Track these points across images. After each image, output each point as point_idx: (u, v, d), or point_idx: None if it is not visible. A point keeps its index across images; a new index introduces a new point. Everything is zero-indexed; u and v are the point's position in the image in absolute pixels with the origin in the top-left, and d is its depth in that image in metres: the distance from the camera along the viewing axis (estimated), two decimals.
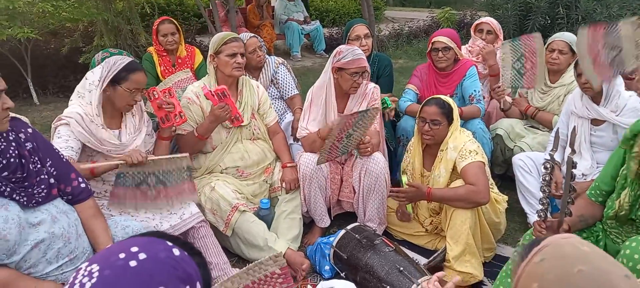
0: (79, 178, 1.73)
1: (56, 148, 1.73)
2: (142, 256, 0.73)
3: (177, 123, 2.38)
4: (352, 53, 2.55)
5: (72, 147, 2.01)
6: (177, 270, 0.75)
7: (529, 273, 0.83)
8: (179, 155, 2.21)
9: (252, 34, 3.25)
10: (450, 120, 2.39)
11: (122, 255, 0.73)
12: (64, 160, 1.72)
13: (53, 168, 1.64)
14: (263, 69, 3.25)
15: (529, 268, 0.84)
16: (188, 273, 0.76)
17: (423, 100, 3.06)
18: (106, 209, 2.05)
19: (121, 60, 2.12)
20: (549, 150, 2.70)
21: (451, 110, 2.39)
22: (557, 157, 2.68)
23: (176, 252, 0.78)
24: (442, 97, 2.45)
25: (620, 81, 2.52)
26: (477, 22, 3.61)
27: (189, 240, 2.23)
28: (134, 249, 0.74)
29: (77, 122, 2.03)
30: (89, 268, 0.73)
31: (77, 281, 0.72)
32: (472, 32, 3.57)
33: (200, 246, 2.25)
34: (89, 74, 2.14)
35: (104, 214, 1.84)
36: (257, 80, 3.16)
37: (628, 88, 2.33)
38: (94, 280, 0.70)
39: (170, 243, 0.79)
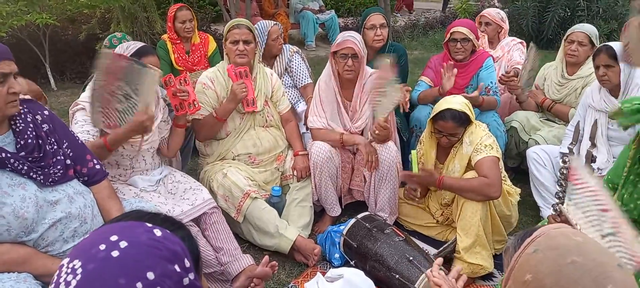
0: (94, 160, 1.77)
1: (72, 131, 1.76)
2: (123, 244, 0.72)
3: (190, 111, 2.39)
4: (342, 36, 2.57)
5: (89, 131, 2.05)
6: (162, 250, 0.74)
7: (523, 264, 0.83)
8: (149, 67, 2.05)
9: (274, 22, 3.26)
10: (467, 124, 2.35)
11: (102, 247, 0.72)
12: (80, 142, 1.76)
13: (69, 150, 1.68)
14: (278, 58, 3.26)
15: (522, 259, 0.84)
16: (173, 251, 0.75)
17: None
18: (120, 193, 2.08)
19: (133, 44, 2.14)
20: (566, 143, 2.67)
21: (468, 116, 2.29)
22: (566, 151, 2.65)
23: (157, 232, 0.76)
24: (455, 106, 2.28)
25: (639, 73, 2.47)
26: (480, 13, 3.70)
27: (201, 226, 2.26)
28: (114, 238, 0.73)
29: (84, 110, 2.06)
30: (71, 265, 0.71)
31: (61, 279, 0.70)
32: (476, 24, 3.55)
33: (212, 232, 2.28)
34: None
35: (120, 195, 1.87)
36: (271, 68, 3.17)
37: None
38: (78, 277, 0.69)
39: (149, 225, 0.78)
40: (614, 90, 2.48)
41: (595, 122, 2.20)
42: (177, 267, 0.74)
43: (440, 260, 1.59)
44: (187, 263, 0.77)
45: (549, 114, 3.11)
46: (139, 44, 2.17)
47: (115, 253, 0.70)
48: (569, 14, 6.80)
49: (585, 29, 2.96)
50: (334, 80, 2.67)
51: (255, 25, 2.91)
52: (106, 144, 1.99)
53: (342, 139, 2.64)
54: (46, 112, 1.66)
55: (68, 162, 1.65)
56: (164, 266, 0.72)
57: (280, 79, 3.21)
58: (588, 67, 2.87)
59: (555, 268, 0.78)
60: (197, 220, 2.25)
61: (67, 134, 1.70)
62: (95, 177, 1.75)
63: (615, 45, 2.43)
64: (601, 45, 2.52)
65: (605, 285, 0.75)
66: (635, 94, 2.42)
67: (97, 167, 1.77)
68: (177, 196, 2.26)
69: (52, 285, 0.72)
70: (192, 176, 2.50)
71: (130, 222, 0.79)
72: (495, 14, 3.57)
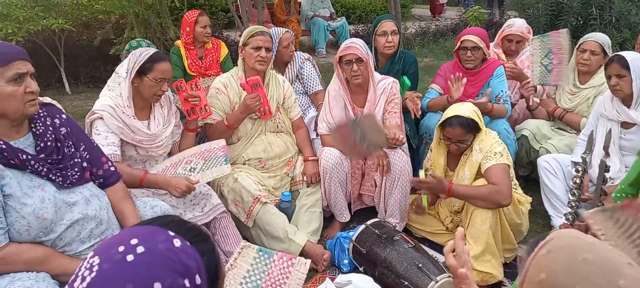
0: (109, 162, 1.81)
1: (88, 135, 1.80)
2: (140, 249, 0.73)
3: (202, 116, 2.44)
4: (345, 43, 2.61)
5: (114, 143, 2.11)
6: (175, 262, 0.74)
7: (537, 265, 0.86)
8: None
9: (286, 29, 3.31)
10: (476, 131, 2.35)
11: (121, 248, 0.73)
12: (95, 145, 1.79)
13: (86, 153, 1.72)
14: (289, 64, 3.29)
15: (536, 260, 0.87)
16: (186, 266, 0.75)
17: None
18: (132, 195, 2.12)
19: (146, 51, 2.18)
20: (578, 152, 2.66)
21: (476, 123, 2.30)
22: (578, 160, 2.64)
23: (177, 243, 0.77)
24: (464, 112, 2.29)
25: None
26: (504, 32, 3.43)
27: (210, 230, 2.28)
28: (134, 241, 0.74)
29: (110, 114, 2.11)
30: (91, 260, 0.73)
31: (80, 273, 0.73)
32: (498, 40, 3.48)
33: (221, 236, 2.31)
34: (118, 68, 2.21)
35: (132, 196, 1.90)
36: (283, 75, 3.21)
37: None
38: (93, 275, 0.71)
39: (172, 234, 0.78)
40: (626, 99, 2.47)
41: (609, 131, 2.19)
42: (186, 282, 0.74)
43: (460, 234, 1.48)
44: (198, 280, 0.76)
45: (560, 122, 3.10)
46: (152, 50, 2.20)
47: (130, 257, 0.72)
48: (581, 22, 6.75)
49: (598, 38, 2.95)
50: (343, 87, 2.69)
51: None
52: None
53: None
54: (64, 116, 1.70)
55: (85, 164, 1.69)
56: (173, 279, 0.73)
57: (292, 85, 3.24)
58: (600, 76, 2.86)
59: (568, 265, 0.81)
60: (207, 225, 2.28)
61: (83, 137, 1.74)
62: (111, 179, 1.79)
63: (628, 55, 2.42)
64: (613, 54, 2.51)
65: (617, 281, 0.77)
66: None
67: (112, 169, 1.80)
68: (188, 201, 2.29)
69: (73, 277, 0.75)
70: None
71: (154, 227, 0.79)
72: (524, 28, 3.39)
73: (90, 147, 1.75)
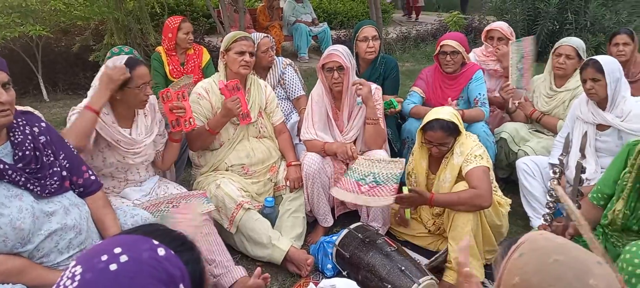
0: (89, 171, 1.78)
1: (68, 143, 1.77)
2: (123, 258, 0.72)
3: (186, 129, 2.39)
4: (328, 49, 2.63)
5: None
6: (159, 271, 0.73)
7: (510, 269, 0.88)
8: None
9: (265, 34, 3.32)
10: (457, 134, 2.39)
11: (104, 258, 0.72)
12: (76, 153, 1.77)
13: (66, 161, 1.69)
14: (271, 70, 3.29)
15: (509, 264, 0.89)
16: (170, 275, 0.74)
17: (429, 103, 3.10)
18: (113, 205, 2.09)
19: (122, 57, 2.14)
20: (555, 154, 2.72)
21: (456, 126, 2.34)
22: (555, 162, 2.70)
23: (161, 251, 0.76)
24: (444, 115, 2.34)
25: (626, 87, 2.53)
26: (487, 28, 3.53)
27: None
28: (117, 250, 0.73)
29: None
30: (73, 270, 0.73)
31: (61, 283, 0.72)
32: (483, 39, 3.55)
33: (204, 243, 2.28)
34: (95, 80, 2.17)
35: (113, 206, 1.88)
36: (264, 80, 3.21)
37: None
38: (75, 285, 0.70)
39: (156, 242, 0.77)
40: (601, 102, 2.54)
41: (585, 133, 2.25)
42: None
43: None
44: None
45: (537, 125, 3.17)
46: (123, 58, 2.14)
47: (113, 267, 0.71)
48: (557, 27, 6.93)
49: (573, 42, 3.02)
50: (326, 93, 2.71)
51: None
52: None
53: (324, 148, 2.67)
54: (43, 124, 1.67)
55: (64, 173, 1.66)
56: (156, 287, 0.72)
57: (274, 91, 3.24)
58: (576, 79, 2.93)
59: (540, 267, 0.83)
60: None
61: (63, 145, 1.71)
62: (91, 187, 1.76)
63: (602, 59, 2.49)
64: (588, 59, 2.58)
65: (587, 280, 0.80)
66: (621, 106, 2.48)
67: (92, 178, 1.78)
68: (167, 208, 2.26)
69: (54, 287, 0.74)
70: (185, 187, 2.51)
71: (138, 236, 0.79)
72: (507, 28, 3.44)
73: (70, 155, 1.72)
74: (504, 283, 0.89)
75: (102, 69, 2.10)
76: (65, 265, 1.61)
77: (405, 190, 2.41)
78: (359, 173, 2.49)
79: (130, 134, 2.21)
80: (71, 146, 1.77)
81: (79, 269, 0.73)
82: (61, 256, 1.58)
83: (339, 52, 2.59)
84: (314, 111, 2.75)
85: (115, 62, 2.08)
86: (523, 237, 0.92)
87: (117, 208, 1.89)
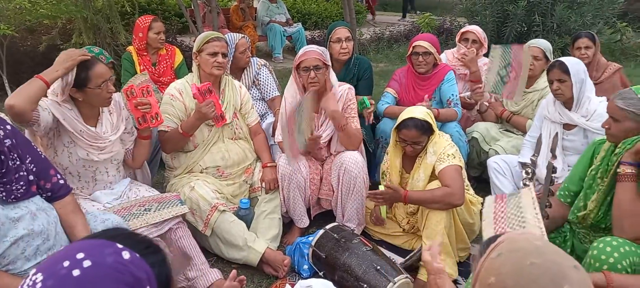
0: (58, 175, 1.73)
1: (35, 146, 1.72)
2: (86, 263, 0.71)
3: (152, 124, 2.35)
4: (303, 49, 2.62)
5: (46, 109, 1.99)
6: (124, 275, 0.72)
7: (487, 268, 0.89)
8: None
9: (242, 35, 3.30)
10: (430, 133, 2.43)
11: (66, 263, 0.71)
12: (43, 157, 1.71)
13: (32, 165, 1.64)
14: (246, 70, 3.27)
15: (487, 263, 0.90)
16: (136, 278, 0.73)
17: (402, 103, 3.14)
18: (83, 208, 2.04)
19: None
20: (525, 153, 2.79)
21: (430, 124, 2.39)
22: (525, 160, 2.77)
23: (126, 255, 0.75)
24: (418, 114, 2.38)
25: (590, 87, 2.62)
26: (463, 30, 3.60)
27: (166, 241, 2.23)
28: (80, 256, 0.72)
29: (57, 103, 2.03)
30: (34, 278, 0.71)
31: None
32: (457, 41, 3.59)
33: (178, 247, 2.25)
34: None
35: (82, 210, 1.83)
36: (239, 80, 3.19)
37: None
38: None
39: (120, 246, 0.76)
40: (568, 102, 2.62)
41: (557, 134, 2.32)
42: None
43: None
44: None
45: (507, 124, 3.25)
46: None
47: (75, 272, 0.69)
48: (525, 29, 7.10)
49: (540, 44, 3.11)
50: (300, 93, 2.70)
51: None
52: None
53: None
54: (9, 127, 1.62)
55: (31, 177, 1.61)
56: None
57: (248, 91, 3.22)
58: (543, 80, 3.01)
59: (516, 269, 0.84)
60: (163, 236, 2.22)
61: (30, 149, 1.66)
62: (59, 192, 1.71)
63: (568, 61, 2.57)
64: (554, 60, 2.66)
65: (562, 285, 0.81)
66: (586, 106, 2.57)
67: (61, 182, 1.73)
68: (140, 212, 2.21)
69: None
70: (158, 189, 2.47)
71: (102, 240, 0.77)
72: (480, 32, 3.52)
73: (38, 159, 1.67)
74: (480, 281, 0.89)
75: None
76: None
77: (380, 187, 2.44)
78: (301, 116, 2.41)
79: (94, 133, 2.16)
80: (39, 150, 1.72)
81: (39, 277, 0.70)
82: (28, 263, 1.53)
83: (317, 51, 2.59)
84: (288, 113, 2.73)
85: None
86: (502, 237, 0.92)
87: (87, 212, 1.85)
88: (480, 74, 3.35)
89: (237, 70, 3.26)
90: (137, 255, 0.76)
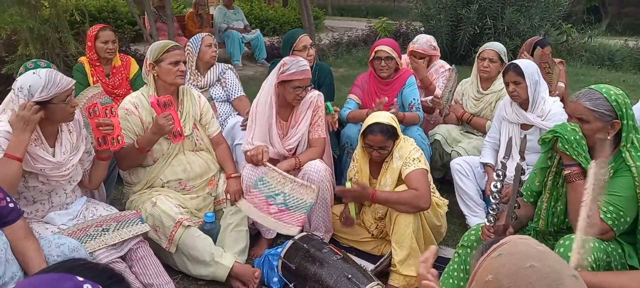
0: (7, 198, 1.61)
1: None
2: None
3: (113, 147, 2.22)
4: (297, 65, 2.58)
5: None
6: None
7: (486, 266, 0.89)
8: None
9: (207, 33, 3.33)
10: (395, 138, 2.45)
11: None
12: None
13: None
14: (212, 68, 3.28)
15: (486, 262, 0.90)
16: None
17: (365, 108, 3.15)
18: (35, 232, 1.91)
19: (34, 81, 1.92)
20: (486, 153, 2.87)
21: (395, 129, 2.41)
22: (486, 161, 2.85)
23: (87, 287, 0.71)
24: (383, 120, 2.39)
25: (544, 88, 2.73)
26: (411, 48, 3.55)
27: (126, 262, 2.13)
28: None
29: (7, 140, 1.88)
30: None
31: None
32: (407, 54, 3.59)
33: (140, 267, 2.16)
34: (15, 87, 1.97)
35: (35, 235, 1.71)
36: (204, 76, 3.23)
37: None
38: None
39: (80, 279, 0.72)
40: (524, 103, 2.71)
41: (525, 136, 2.38)
42: None
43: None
44: None
45: (468, 126, 3.33)
46: (43, 72, 1.94)
47: None
48: (478, 31, 7.36)
49: (495, 46, 3.21)
50: (275, 107, 2.65)
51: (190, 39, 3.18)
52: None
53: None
54: None
55: None
56: None
57: (212, 88, 3.25)
58: (500, 82, 3.11)
59: (514, 270, 0.84)
60: (123, 257, 2.12)
61: None
62: (9, 216, 1.60)
63: (522, 63, 2.66)
64: (509, 63, 2.75)
65: None
66: (541, 107, 2.66)
67: (11, 205, 1.61)
68: (98, 232, 2.10)
69: None
70: (116, 206, 2.36)
71: (59, 274, 0.72)
72: (427, 46, 3.49)
73: None
74: (477, 278, 0.90)
75: (12, 114, 1.91)
76: None
77: (348, 184, 2.43)
78: (269, 188, 2.46)
79: (53, 155, 2.04)
80: None
81: None
82: None
83: (309, 69, 2.60)
84: (256, 123, 2.68)
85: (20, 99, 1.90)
86: (505, 238, 0.93)
87: (40, 237, 1.73)
88: (430, 80, 3.43)
89: (203, 65, 3.24)
90: (100, 287, 0.72)
